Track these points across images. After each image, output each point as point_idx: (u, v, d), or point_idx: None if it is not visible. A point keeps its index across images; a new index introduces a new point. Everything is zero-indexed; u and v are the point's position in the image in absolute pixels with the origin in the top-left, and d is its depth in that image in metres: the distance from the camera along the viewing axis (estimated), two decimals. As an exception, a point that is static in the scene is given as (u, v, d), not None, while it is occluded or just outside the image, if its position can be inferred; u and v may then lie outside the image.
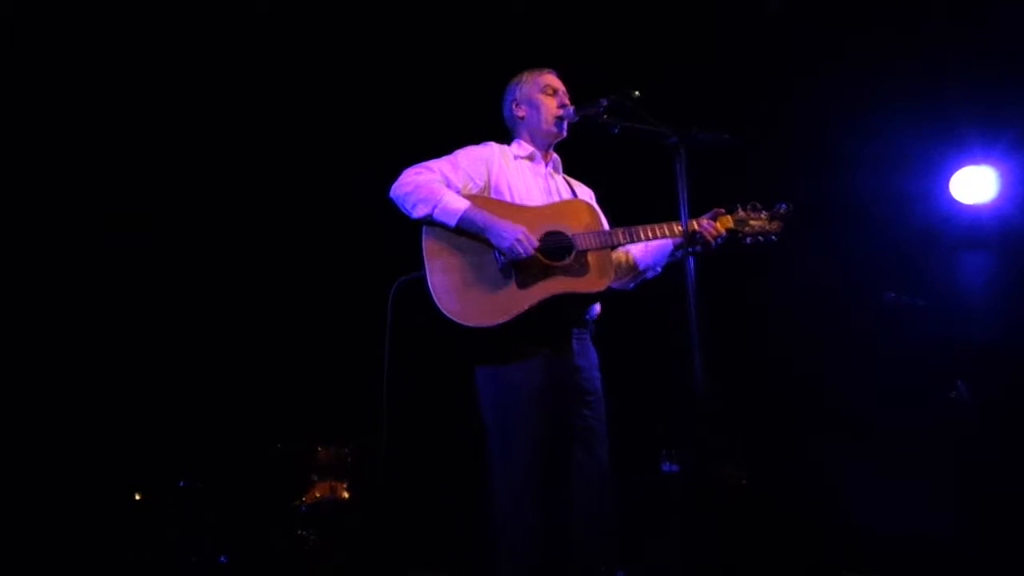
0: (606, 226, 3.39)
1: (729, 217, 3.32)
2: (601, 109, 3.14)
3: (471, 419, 3.12)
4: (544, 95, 3.40)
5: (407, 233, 3.16)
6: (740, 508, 4.62)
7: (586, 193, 3.56)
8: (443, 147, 3.35)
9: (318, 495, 4.80)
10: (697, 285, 2.79)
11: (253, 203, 5.20)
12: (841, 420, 4.80)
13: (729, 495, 4.67)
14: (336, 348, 4.98)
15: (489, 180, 3.28)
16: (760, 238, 3.31)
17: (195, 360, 5.02)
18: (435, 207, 3.09)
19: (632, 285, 3.56)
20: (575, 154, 3.53)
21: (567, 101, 3.41)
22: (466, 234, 3.10)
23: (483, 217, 3.09)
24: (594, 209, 3.32)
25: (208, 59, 4.73)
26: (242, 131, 5.10)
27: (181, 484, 4.77)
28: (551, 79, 3.45)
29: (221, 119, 4.97)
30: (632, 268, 3.50)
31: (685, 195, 2.84)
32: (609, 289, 3.18)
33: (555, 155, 3.51)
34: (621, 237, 3.22)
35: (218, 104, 4.92)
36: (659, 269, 3.49)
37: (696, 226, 3.23)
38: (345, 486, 4.85)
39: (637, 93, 3.08)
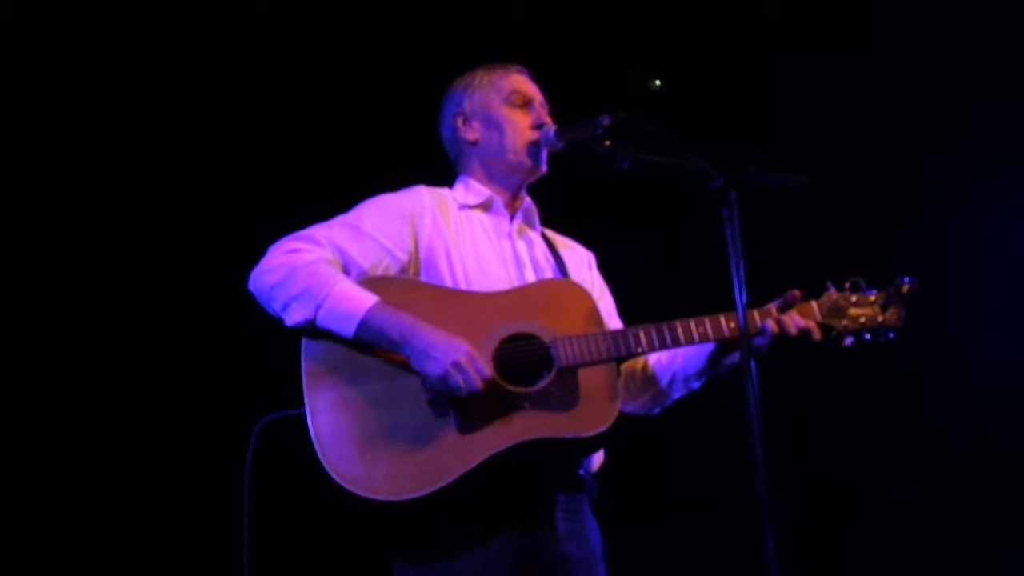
0: (611, 320, 2.72)
1: (814, 304, 2.58)
2: (601, 131, 2.51)
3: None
4: (510, 107, 2.70)
5: (280, 341, 2.46)
6: None
7: (580, 259, 2.83)
8: (343, 200, 2.62)
9: None
10: (763, 399, 2.14)
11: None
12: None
13: None
14: (160, 524, 3.89)
15: (417, 250, 2.55)
16: (867, 335, 2.60)
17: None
18: (319, 307, 2.37)
19: (657, 409, 2.78)
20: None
21: (547, 118, 2.70)
22: (372, 349, 2.39)
23: (399, 323, 2.35)
24: (588, 295, 2.56)
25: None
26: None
27: None
28: (520, 83, 2.74)
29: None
30: (651, 381, 2.74)
31: (741, 269, 2.17)
32: (614, 425, 2.44)
33: (528, 200, 2.73)
34: (632, 343, 2.47)
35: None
36: (695, 384, 2.71)
37: (759, 322, 2.50)
38: None
39: (658, 83, 2.58)
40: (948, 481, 4.34)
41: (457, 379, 2.28)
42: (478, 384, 2.29)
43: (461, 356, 2.28)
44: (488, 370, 2.33)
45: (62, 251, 3.95)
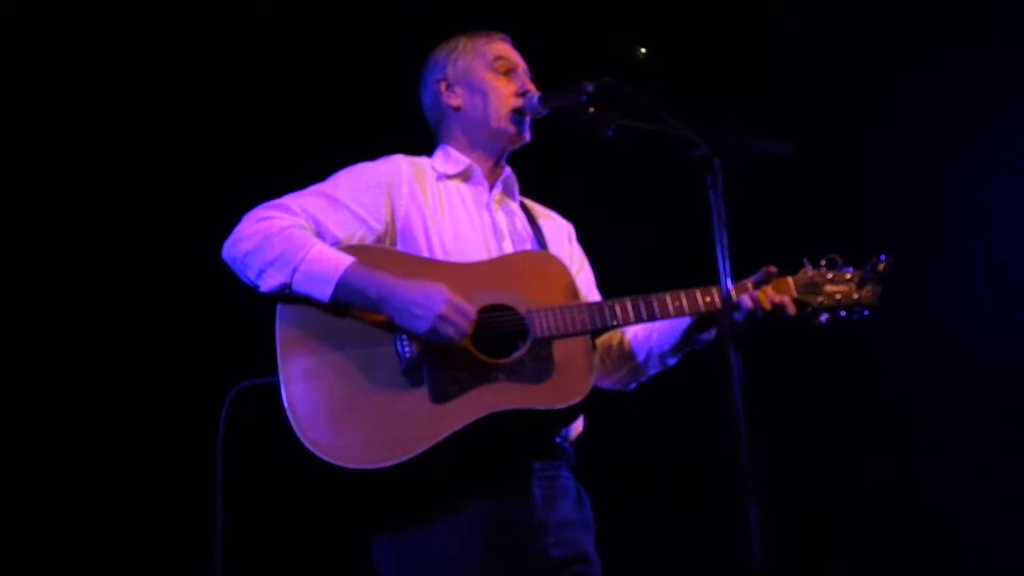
0: (589, 293, 2.73)
1: (790, 280, 2.56)
2: (585, 98, 2.49)
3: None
4: (494, 74, 2.68)
5: (255, 310, 2.42)
6: None
7: (559, 231, 2.80)
8: (320, 169, 2.58)
9: None
10: (748, 373, 2.09)
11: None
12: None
13: None
14: (131, 491, 3.80)
15: (394, 220, 2.51)
16: (843, 313, 2.58)
17: None
18: (295, 270, 2.33)
19: (633, 385, 2.76)
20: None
21: (531, 85, 2.67)
22: (348, 313, 2.35)
23: (378, 281, 2.32)
24: (565, 268, 2.54)
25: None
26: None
27: None
28: (504, 49, 2.72)
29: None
30: (627, 357, 2.73)
31: (724, 240, 2.15)
32: (589, 397, 2.41)
33: (507, 170, 2.71)
34: (608, 316, 2.45)
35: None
36: (671, 360, 2.69)
37: (734, 295, 2.44)
38: None
39: (644, 51, 2.56)
40: (928, 455, 4.36)
41: (447, 330, 2.27)
42: (468, 329, 2.29)
43: (443, 306, 2.27)
44: (472, 311, 2.32)
45: (31, 214, 3.89)
